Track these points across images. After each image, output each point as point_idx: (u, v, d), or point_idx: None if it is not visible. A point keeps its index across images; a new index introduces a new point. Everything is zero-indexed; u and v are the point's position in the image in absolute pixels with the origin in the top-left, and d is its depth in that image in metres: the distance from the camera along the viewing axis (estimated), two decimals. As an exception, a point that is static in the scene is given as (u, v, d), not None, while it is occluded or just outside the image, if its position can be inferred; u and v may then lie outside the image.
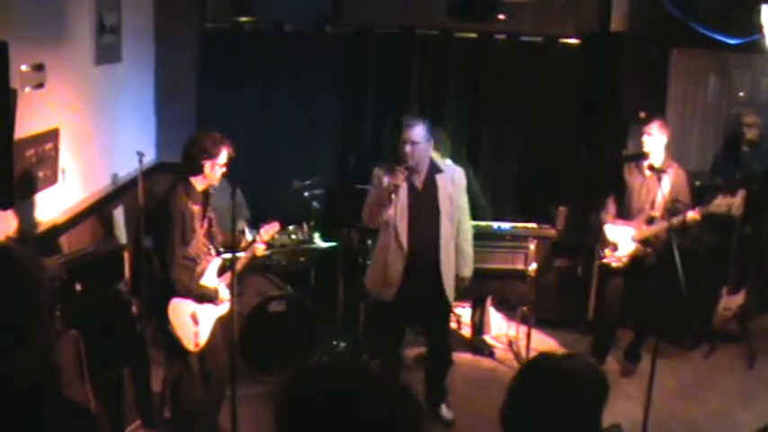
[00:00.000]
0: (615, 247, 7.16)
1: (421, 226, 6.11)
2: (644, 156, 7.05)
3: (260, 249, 5.91)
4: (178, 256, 5.34)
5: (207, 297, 5.52)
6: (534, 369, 2.72)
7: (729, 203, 6.86)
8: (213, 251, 5.66)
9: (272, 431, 1.93)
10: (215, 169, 5.40)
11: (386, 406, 1.90)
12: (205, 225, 5.55)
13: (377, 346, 6.75)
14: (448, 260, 6.19)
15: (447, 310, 6.51)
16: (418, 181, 6.11)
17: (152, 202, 6.26)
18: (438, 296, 6.22)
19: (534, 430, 2.60)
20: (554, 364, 2.70)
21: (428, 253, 6.13)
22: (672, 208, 6.88)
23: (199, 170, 5.39)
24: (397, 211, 6.04)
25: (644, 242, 7.08)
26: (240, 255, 5.75)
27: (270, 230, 6.00)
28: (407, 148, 5.94)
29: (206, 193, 5.55)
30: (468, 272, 6.39)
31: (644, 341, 7.37)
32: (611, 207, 7.28)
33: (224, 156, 5.41)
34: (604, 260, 7.24)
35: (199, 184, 5.45)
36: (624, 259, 7.16)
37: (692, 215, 6.77)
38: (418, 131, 5.96)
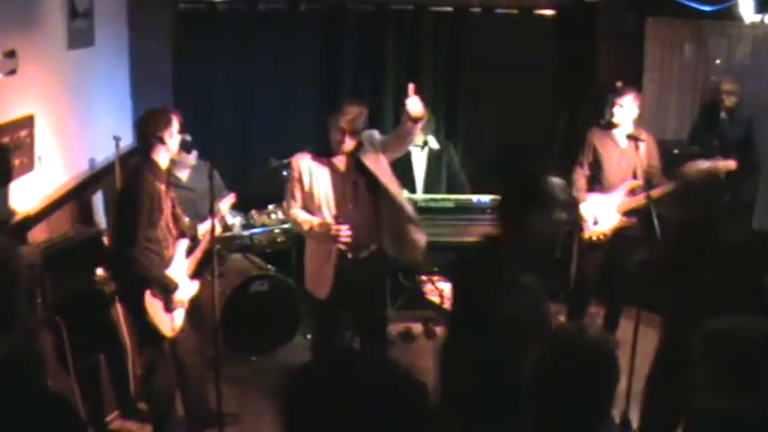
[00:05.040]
0: (596, 222, 7.14)
1: (354, 213, 5.76)
2: (614, 126, 7.07)
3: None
4: (140, 237, 5.29)
5: (163, 287, 5.41)
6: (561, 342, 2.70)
7: (725, 165, 6.87)
8: (178, 232, 5.63)
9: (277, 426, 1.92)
10: (174, 137, 5.47)
11: (395, 399, 1.89)
12: (169, 206, 5.53)
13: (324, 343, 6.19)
14: (399, 240, 5.93)
15: (381, 302, 6.36)
16: (341, 163, 5.79)
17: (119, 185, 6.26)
18: (372, 284, 6.02)
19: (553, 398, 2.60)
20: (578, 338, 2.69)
21: (366, 241, 5.84)
22: (649, 177, 6.92)
23: (161, 140, 5.41)
24: (323, 203, 5.74)
25: (628, 213, 7.10)
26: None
27: (227, 203, 6.10)
28: (342, 137, 5.64)
29: (169, 172, 5.58)
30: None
31: (620, 312, 7.38)
32: (581, 182, 7.25)
33: (176, 123, 5.49)
34: (587, 234, 7.22)
35: (162, 159, 5.46)
36: (608, 232, 7.15)
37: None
38: (358, 122, 5.66)
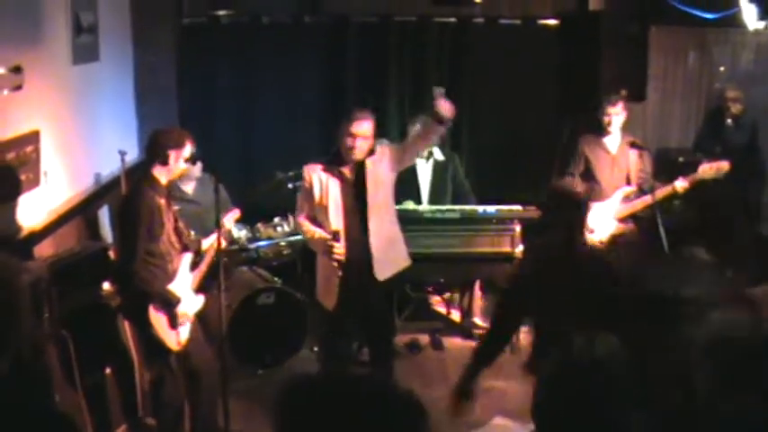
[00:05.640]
0: (591, 231, 7.16)
1: (353, 222, 5.79)
2: (606, 133, 7.11)
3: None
4: (141, 250, 5.26)
5: (166, 302, 5.38)
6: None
7: (718, 168, 6.92)
8: (182, 246, 5.60)
9: None
10: (179, 161, 5.39)
11: (389, 415, 1.88)
12: (171, 220, 5.51)
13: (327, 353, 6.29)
14: (387, 252, 5.89)
15: (385, 312, 6.27)
16: (348, 171, 5.82)
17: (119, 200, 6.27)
18: (374, 294, 5.98)
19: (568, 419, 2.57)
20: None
21: (361, 251, 5.81)
22: (641, 183, 6.99)
23: (164, 161, 5.35)
24: (332, 213, 5.75)
25: (624, 219, 7.14)
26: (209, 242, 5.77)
27: (231, 218, 6.08)
28: (353, 143, 5.66)
29: (169, 188, 5.53)
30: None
31: None
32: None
33: (188, 149, 5.41)
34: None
35: (162, 177, 5.40)
36: (605, 240, 7.17)
37: (681, 184, 6.85)
38: (367, 127, 5.70)
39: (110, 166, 7.00)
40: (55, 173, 6.08)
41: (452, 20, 8.64)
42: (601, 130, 7.16)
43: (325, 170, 5.79)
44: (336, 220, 5.72)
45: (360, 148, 5.68)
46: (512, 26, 8.66)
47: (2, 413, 2.23)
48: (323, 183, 5.76)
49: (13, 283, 2.40)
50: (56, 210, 6.13)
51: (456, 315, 8.14)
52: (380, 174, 5.82)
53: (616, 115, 7.06)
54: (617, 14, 8.43)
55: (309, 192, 5.81)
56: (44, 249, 5.77)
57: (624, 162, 7.10)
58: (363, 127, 5.68)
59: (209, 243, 5.79)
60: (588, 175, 7.22)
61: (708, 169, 6.94)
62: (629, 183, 7.11)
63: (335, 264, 5.70)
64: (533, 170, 7.92)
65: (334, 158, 5.82)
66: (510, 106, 8.66)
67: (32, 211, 5.73)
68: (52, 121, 6.04)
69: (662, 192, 7.02)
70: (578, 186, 7.22)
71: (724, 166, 6.95)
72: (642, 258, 6.76)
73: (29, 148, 5.64)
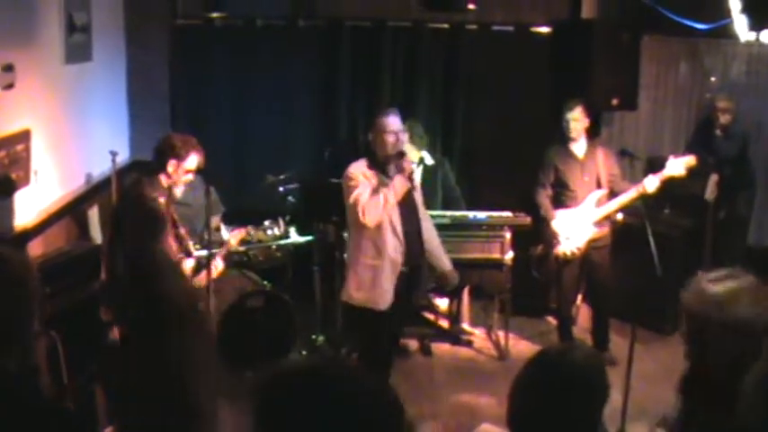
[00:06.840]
0: (567, 239, 7.19)
1: (408, 222, 5.95)
2: (571, 140, 7.17)
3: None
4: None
5: None
6: (540, 364, 2.67)
7: (686, 162, 6.91)
8: (183, 252, 5.58)
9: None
10: (179, 172, 5.30)
11: (366, 409, 1.88)
12: (170, 221, 5.44)
13: (378, 356, 6.19)
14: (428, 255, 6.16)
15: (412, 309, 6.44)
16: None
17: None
18: (414, 293, 6.21)
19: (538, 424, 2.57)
20: (558, 358, 2.67)
21: (416, 249, 6.01)
22: (611, 185, 7.03)
23: (163, 167, 5.28)
24: (390, 208, 5.80)
25: (599, 223, 7.16)
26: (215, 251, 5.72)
27: (237, 236, 6.14)
28: (393, 138, 5.79)
29: (170, 189, 5.42)
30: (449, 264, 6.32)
31: (608, 325, 7.36)
32: (546, 203, 7.32)
33: (192, 161, 5.33)
34: (560, 251, 7.24)
35: (163, 181, 5.35)
36: (582, 246, 7.19)
37: (651, 183, 6.82)
38: (399, 120, 5.87)
39: (101, 167, 6.99)
40: (45, 172, 6.07)
41: (445, 26, 8.64)
42: (565, 138, 7.20)
43: (370, 168, 5.86)
44: (397, 218, 5.82)
45: (401, 141, 5.86)
46: (504, 33, 8.67)
47: (7, 409, 2.25)
48: (372, 181, 5.80)
49: (28, 279, 2.42)
50: (46, 209, 6.12)
51: (444, 321, 8.13)
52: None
53: (575, 120, 7.11)
54: (609, 23, 8.46)
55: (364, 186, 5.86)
56: (34, 249, 5.76)
57: (593, 166, 7.15)
58: (397, 122, 5.85)
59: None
60: (559, 184, 7.26)
61: (675, 164, 6.91)
62: (599, 186, 7.15)
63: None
64: (524, 177, 7.91)
65: (370, 161, 5.89)
66: (501, 112, 8.66)
67: (22, 210, 5.71)
68: (43, 120, 6.03)
69: (616, 203, 7.06)
70: (548, 197, 7.27)
71: (691, 160, 6.95)
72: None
73: (19, 147, 5.63)
